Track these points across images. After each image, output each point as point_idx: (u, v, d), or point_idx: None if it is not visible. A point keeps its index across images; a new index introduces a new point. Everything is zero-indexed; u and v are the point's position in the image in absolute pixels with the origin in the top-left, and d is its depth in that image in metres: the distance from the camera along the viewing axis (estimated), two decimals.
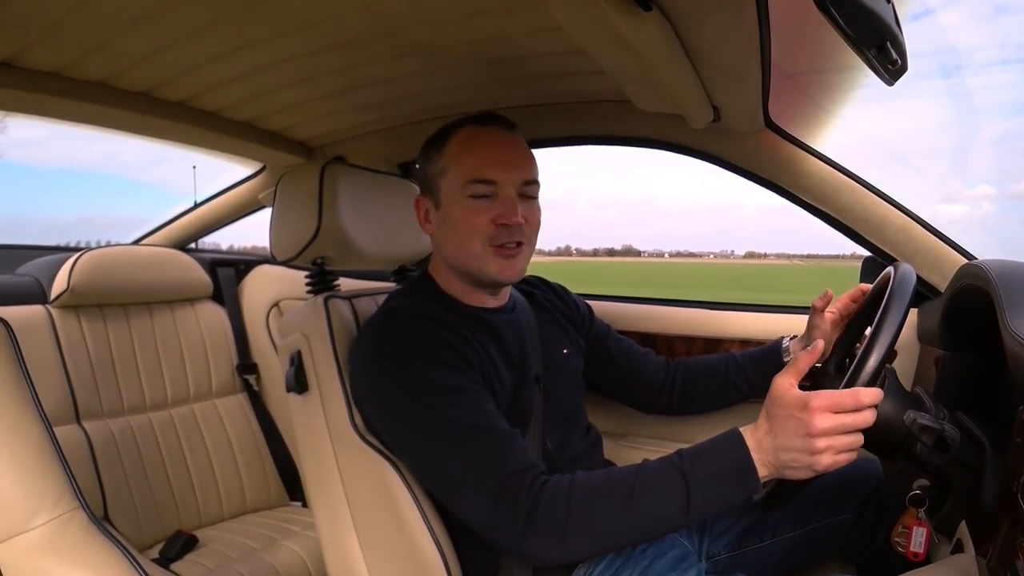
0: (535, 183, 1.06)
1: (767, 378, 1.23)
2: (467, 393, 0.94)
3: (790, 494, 0.85)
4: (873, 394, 0.78)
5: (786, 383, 0.81)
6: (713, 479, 0.82)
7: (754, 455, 0.81)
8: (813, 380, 1.17)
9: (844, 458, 0.78)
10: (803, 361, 0.84)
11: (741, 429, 0.84)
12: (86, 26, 0.97)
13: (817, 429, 0.76)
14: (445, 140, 1.05)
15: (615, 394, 1.37)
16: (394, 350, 0.97)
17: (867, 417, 0.78)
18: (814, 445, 0.77)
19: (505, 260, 1.03)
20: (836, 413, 0.77)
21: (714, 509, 0.83)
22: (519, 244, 1.04)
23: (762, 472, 0.81)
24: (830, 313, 1.17)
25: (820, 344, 0.84)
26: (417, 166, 1.13)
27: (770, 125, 1.30)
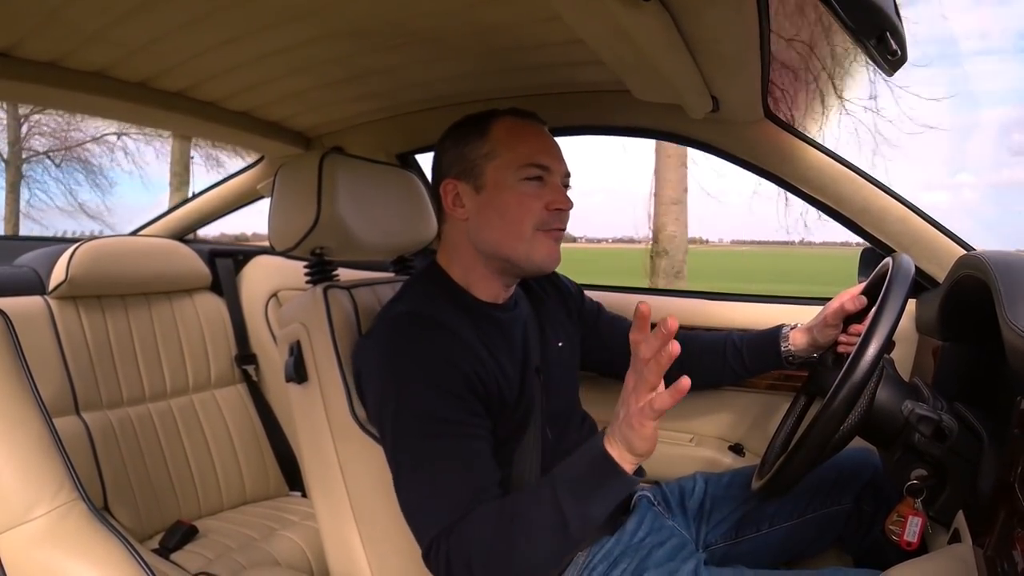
0: (569, 177, 1.09)
1: (763, 362, 1.25)
2: (454, 426, 0.94)
3: (788, 484, 0.85)
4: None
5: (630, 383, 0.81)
6: (576, 479, 0.83)
7: (608, 444, 0.82)
8: (812, 373, 1.18)
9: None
10: (664, 400, 0.78)
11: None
12: (83, 16, 0.96)
13: (634, 406, 0.78)
14: (486, 126, 1.05)
15: (615, 371, 1.36)
16: (397, 364, 0.97)
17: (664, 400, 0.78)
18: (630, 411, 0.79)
19: (553, 244, 1.06)
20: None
21: (592, 511, 0.83)
22: (561, 231, 1.07)
23: (616, 454, 0.81)
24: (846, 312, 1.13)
25: (686, 382, 0.77)
26: (443, 150, 1.09)
27: (769, 115, 1.30)
